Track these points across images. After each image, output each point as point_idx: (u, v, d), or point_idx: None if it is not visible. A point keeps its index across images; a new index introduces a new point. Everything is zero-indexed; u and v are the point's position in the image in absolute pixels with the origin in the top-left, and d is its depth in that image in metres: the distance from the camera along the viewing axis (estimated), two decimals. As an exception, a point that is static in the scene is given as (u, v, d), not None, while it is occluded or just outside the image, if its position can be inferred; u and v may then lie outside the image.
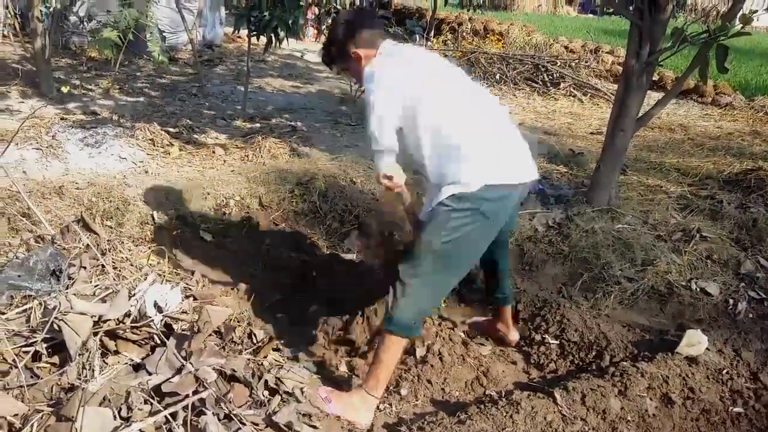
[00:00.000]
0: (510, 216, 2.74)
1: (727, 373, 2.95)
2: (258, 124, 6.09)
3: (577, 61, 10.17)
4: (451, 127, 2.47)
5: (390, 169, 2.55)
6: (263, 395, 2.37)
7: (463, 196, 2.43)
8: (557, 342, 3.33)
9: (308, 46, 10.63)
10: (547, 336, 3.39)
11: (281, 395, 2.49)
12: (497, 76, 9.24)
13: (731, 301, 3.56)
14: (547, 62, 9.55)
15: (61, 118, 5.33)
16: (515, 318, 3.47)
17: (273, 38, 5.81)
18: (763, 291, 3.66)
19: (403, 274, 2.55)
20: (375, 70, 2.51)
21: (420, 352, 3.17)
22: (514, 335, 3.35)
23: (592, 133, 6.89)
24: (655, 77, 8.65)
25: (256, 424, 2.17)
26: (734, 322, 3.40)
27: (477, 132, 2.49)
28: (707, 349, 3.05)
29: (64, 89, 5.92)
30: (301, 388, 2.54)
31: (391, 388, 2.97)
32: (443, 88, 2.55)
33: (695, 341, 3.04)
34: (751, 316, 3.47)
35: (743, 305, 3.52)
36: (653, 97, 6.86)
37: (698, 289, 3.64)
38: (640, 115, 4.37)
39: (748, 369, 3.00)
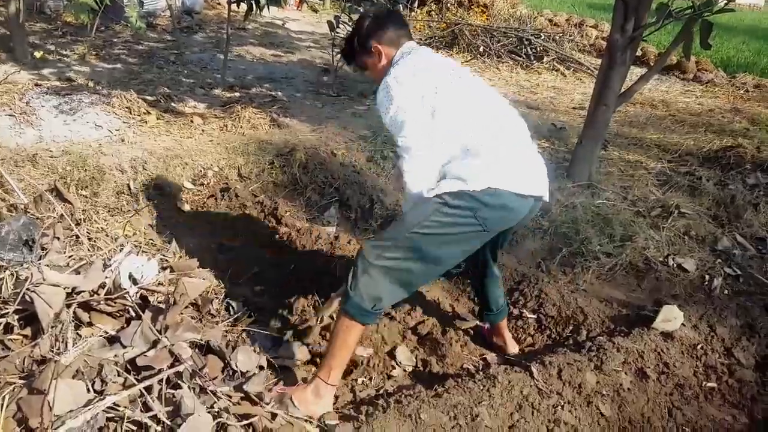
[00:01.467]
0: (507, 231, 2.60)
1: (702, 348, 2.99)
2: (237, 94, 6.00)
3: (561, 34, 10.13)
4: (466, 130, 2.34)
5: None
6: (236, 366, 2.36)
7: (460, 193, 2.27)
8: (535, 316, 3.35)
9: (290, 14, 10.48)
10: (524, 310, 3.40)
11: (259, 367, 2.50)
12: (481, 49, 9.17)
13: (707, 277, 3.59)
14: (531, 35, 9.49)
15: (36, 84, 5.20)
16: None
17: (253, 5, 5.70)
18: (739, 267, 3.70)
19: (368, 252, 2.37)
20: (392, 83, 2.36)
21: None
22: (512, 348, 3.10)
23: (574, 107, 6.88)
24: (638, 53, 8.64)
25: (231, 397, 2.16)
26: (710, 298, 3.43)
27: (491, 136, 2.36)
28: (683, 324, 3.08)
29: (38, 54, 5.79)
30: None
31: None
32: (460, 91, 2.42)
33: (671, 317, 3.07)
34: (726, 292, 3.51)
35: (719, 281, 3.55)
36: (636, 72, 6.86)
37: (675, 265, 3.67)
38: (622, 90, 4.36)
39: (723, 345, 3.04)
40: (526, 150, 2.49)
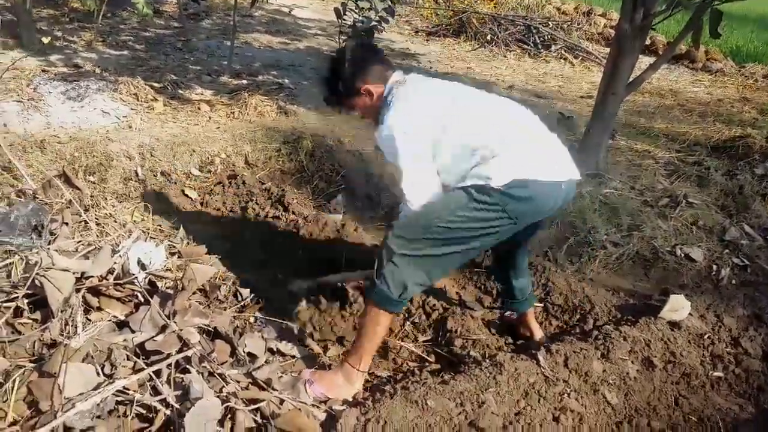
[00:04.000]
0: (541, 219, 2.56)
1: (709, 338, 2.99)
2: (244, 81, 5.99)
3: (569, 23, 10.06)
4: (477, 141, 2.29)
5: None
6: (243, 352, 2.37)
7: (485, 188, 2.23)
8: (542, 305, 3.34)
9: (297, 2, 10.43)
10: (531, 299, 3.40)
11: (267, 353, 2.51)
12: (488, 37, 9.13)
13: (715, 267, 3.59)
14: (539, 24, 9.43)
15: (43, 70, 5.21)
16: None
17: (261, -8, 5.67)
18: (747, 258, 3.69)
19: (392, 241, 2.35)
20: (392, 122, 2.32)
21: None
22: (539, 335, 3.04)
23: (582, 96, 6.85)
24: (647, 42, 8.58)
25: (239, 382, 2.17)
26: (717, 288, 3.43)
27: (504, 137, 2.31)
28: (690, 314, 3.07)
29: (46, 41, 5.78)
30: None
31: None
32: (463, 108, 2.39)
33: (678, 306, 3.07)
34: (733, 282, 3.51)
35: (726, 271, 3.55)
36: (644, 61, 6.82)
37: (683, 255, 3.66)
38: (631, 79, 4.33)
39: (729, 334, 3.03)
40: (544, 139, 2.43)
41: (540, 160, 2.33)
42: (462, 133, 2.32)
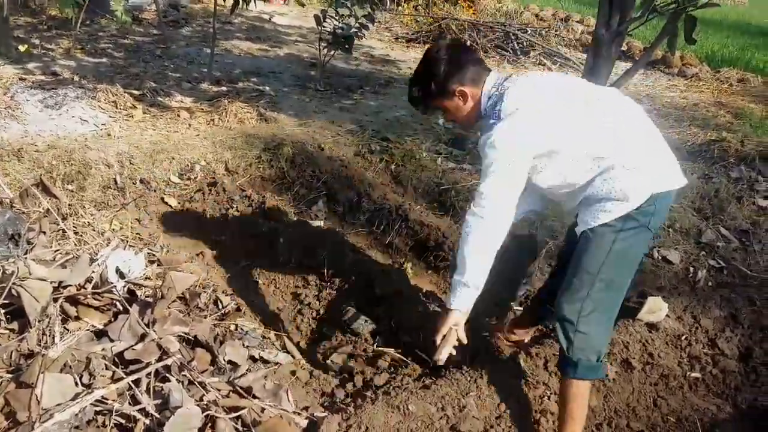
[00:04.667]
0: None
1: (686, 339, 3.03)
2: (224, 88, 5.98)
3: (547, 29, 10.15)
4: (600, 152, 2.21)
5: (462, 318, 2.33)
6: (224, 360, 2.36)
7: (630, 215, 2.20)
8: (521, 308, 3.36)
9: (276, 9, 10.44)
10: (512, 303, 3.42)
11: (248, 361, 2.50)
12: (468, 44, 9.18)
13: (692, 269, 3.64)
14: (518, 30, 9.52)
15: (20, 79, 5.17)
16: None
17: (240, -1, 5.67)
18: (723, 259, 3.75)
19: (569, 315, 2.28)
20: (501, 137, 2.17)
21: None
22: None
23: (560, 102, 6.89)
24: (624, 47, 8.68)
25: (219, 390, 2.17)
26: (694, 290, 3.47)
27: (627, 146, 2.22)
28: (667, 315, 3.11)
29: (23, 48, 5.74)
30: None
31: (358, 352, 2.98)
32: (577, 116, 2.24)
33: (656, 308, 3.10)
34: (710, 284, 3.56)
35: (703, 273, 3.60)
36: (621, 67, 6.90)
37: (660, 257, 3.71)
38: (608, 84, 4.38)
39: (707, 335, 3.07)
40: (658, 143, 2.31)
41: (664, 168, 2.27)
42: (581, 143, 2.23)
